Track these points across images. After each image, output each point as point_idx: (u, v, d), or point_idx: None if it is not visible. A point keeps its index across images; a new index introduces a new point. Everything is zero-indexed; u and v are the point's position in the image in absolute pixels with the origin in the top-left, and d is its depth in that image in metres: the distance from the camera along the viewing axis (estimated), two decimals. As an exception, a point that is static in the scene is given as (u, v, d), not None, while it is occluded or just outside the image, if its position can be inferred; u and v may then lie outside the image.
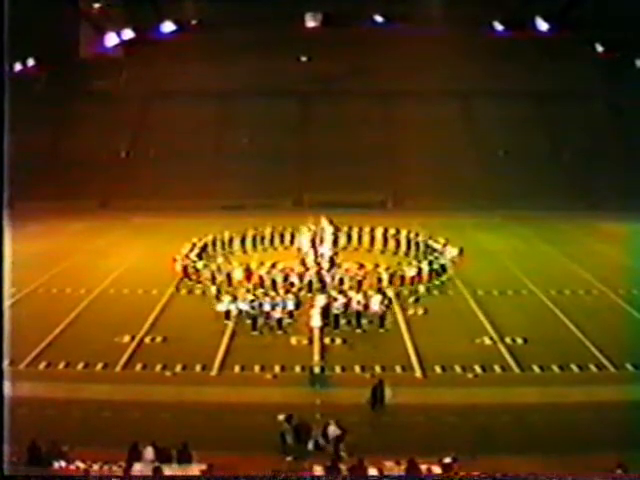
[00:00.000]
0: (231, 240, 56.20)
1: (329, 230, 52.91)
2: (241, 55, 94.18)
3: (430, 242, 53.21)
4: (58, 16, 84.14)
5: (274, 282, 43.62)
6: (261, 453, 24.67)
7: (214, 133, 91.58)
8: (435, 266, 47.57)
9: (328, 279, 44.07)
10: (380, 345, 36.60)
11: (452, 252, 49.72)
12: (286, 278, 43.88)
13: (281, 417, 26.48)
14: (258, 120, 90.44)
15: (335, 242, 55.18)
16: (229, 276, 45.61)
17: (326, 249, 50.24)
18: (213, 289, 44.43)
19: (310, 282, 43.79)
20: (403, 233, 56.06)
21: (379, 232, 56.78)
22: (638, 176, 75.88)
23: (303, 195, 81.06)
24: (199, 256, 50.02)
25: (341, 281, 43.71)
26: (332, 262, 47.65)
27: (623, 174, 79.39)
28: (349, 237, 57.02)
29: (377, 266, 46.69)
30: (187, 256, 49.26)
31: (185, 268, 47.87)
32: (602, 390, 30.82)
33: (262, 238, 57.11)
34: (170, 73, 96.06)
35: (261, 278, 44.27)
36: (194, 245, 51.72)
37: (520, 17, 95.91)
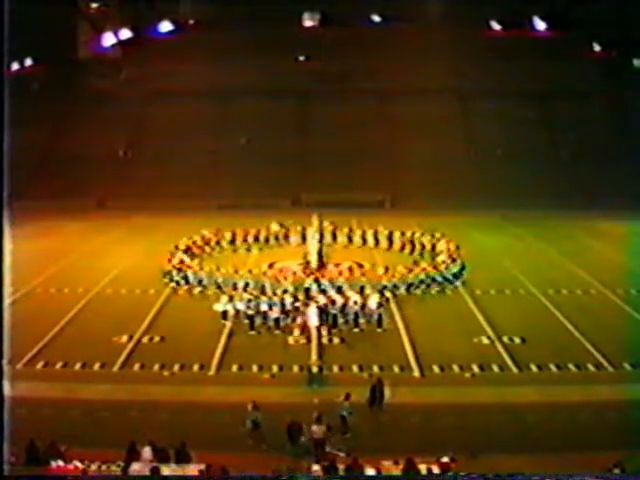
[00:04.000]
0: (218, 242, 56.53)
1: (313, 229, 52.81)
2: (239, 55, 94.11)
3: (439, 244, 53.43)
4: (56, 16, 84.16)
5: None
6: (259, 453, 24.70)
7: (212, 133, 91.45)
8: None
9: (326, 283, 43.66)
10: (378, 345, 36.67)
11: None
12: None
13: (249, 406, 26.84)
14: (256, 120, 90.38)
15: (334, 239, 55.79)
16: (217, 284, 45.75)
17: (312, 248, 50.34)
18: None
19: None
20: (407, 234, 56.33)
21: (383, 235, 57.10)
22: (637, 175, 75.90)
23: (301, 195, 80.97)
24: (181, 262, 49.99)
25: (339, 289, 43.15)
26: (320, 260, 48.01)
27: (621, 173, 79.33)
28: (349, 237, 57.45)
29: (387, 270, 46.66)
30: (182, 262, 49.21)
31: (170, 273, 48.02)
32: (600, 389, 30.92)
33: (256, 238, 57.32)
34: (168, 73, 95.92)
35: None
36: (176, 248, 52.18)
37: (518, 16, 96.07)
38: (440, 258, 49.81)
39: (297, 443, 25.45)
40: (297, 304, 39.10)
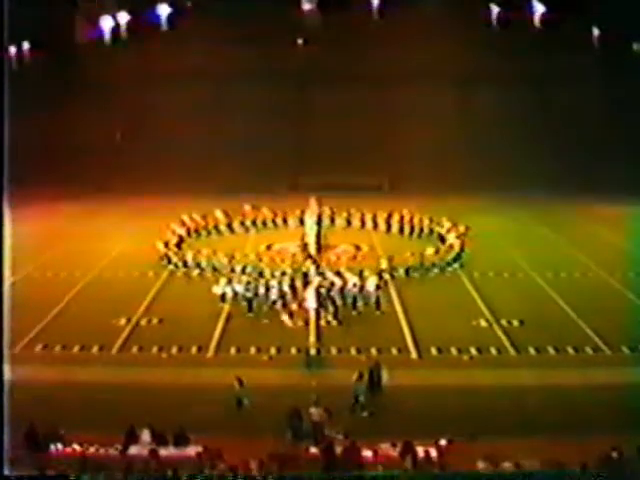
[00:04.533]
0: (216, 226, 56.54)
1: (310, 212, 52.81)
2: (236, 38, 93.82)
3: (437, 228, 53.56)
4: (53, 0, 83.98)
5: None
6: (258, 435, 24.70)
7: (210, 117, 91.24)
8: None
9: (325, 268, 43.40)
10: (376, 327, 36.70)
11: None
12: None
13: (235, 383, 27.93)
14: (254, 104, 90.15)
15: (332, 223, 55.79)
16: (214, 267, 45.70)
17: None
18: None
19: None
20: (406, 218, 56.39)
21: (382, 218, 57.20)
22: (634, 159, 75.85)
23: (299, 179, 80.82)
24: (178, 246, 50.01)
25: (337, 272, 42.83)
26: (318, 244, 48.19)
27: (619, 157, 79.28)
28: (348, 221, 57.55)
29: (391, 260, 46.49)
30: (166, 245, 49.23)
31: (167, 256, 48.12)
32: (598, 372, 30.94)
33: (253, 222, 57.39)
34: (165, 57, 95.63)
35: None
36: (174, 232, 52.26)
37: (517, 1, 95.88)
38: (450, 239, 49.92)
39: (299, 432, 25.39)
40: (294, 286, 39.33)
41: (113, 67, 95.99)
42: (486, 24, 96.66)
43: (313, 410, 25.60)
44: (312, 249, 46.99)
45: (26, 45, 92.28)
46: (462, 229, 51.65)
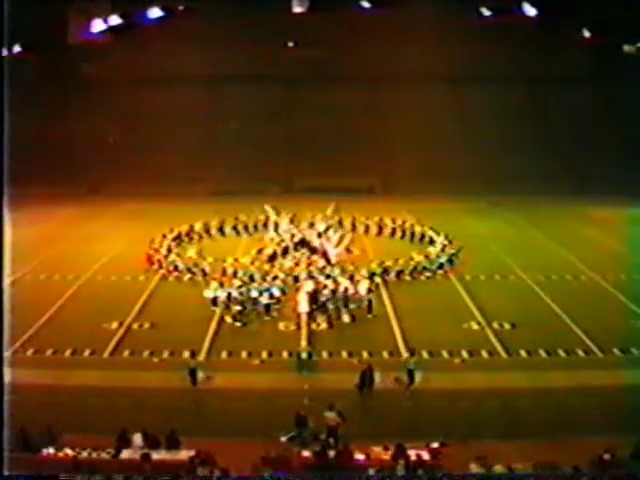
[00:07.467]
0: (208, 230, 56.60)
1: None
2: (228, 41, 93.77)
3: (430, 232, 53.46)
4: (45, 1, 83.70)
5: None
6: (249, 438, 24.70)
7: (203, 119, 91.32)
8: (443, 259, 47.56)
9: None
10: (368, 330, 36.71)
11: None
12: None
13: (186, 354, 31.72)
14: (247, 106, 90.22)
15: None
16: (204, 271, 45.63)
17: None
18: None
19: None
20: (398, 222, 56.51)
21: (373, 222, 57.37)
22: (627, 161, 76.08)
23: (292, 181, 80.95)
24: (169, 249, 49.89)
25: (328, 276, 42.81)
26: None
27: (612, 159, 79.54)
28: (340, 223, 57.50)
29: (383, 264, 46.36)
30: (157, 250, 49.16)
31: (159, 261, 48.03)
32: (589, 375, 30.97)
33: (245, 226, 57.41)
34: (158, 59, 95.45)
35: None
36: (164, 237, 52.07)
37: (507, 2, 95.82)
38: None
39: (304, 434, 25.40)
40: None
41: (105, 68, 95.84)
42: (477, 25, 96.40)
43: (328, 414, 25.54)
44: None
45: (17, 47, 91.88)
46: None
